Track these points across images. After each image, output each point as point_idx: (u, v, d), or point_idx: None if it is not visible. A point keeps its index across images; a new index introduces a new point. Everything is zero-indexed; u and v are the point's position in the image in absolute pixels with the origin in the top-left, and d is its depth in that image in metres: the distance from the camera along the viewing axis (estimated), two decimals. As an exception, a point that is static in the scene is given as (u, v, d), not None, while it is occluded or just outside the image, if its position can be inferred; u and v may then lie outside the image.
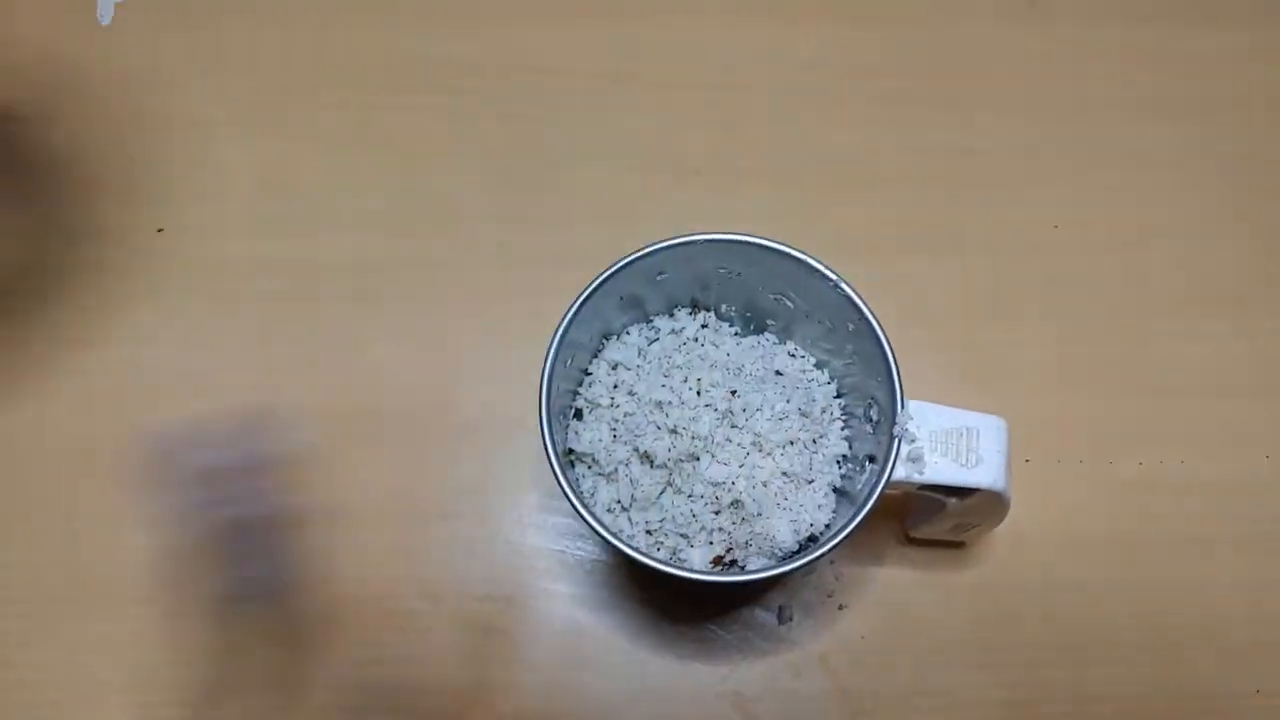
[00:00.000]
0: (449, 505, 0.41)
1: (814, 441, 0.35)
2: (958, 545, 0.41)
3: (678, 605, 0.40)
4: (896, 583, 0.41)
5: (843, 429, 0.36)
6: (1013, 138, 0.48)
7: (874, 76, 0.50)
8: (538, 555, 0.41)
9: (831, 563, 0.41)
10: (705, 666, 0.39)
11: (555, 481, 0.32)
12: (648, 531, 0.35)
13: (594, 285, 0.33)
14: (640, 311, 0.38)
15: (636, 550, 0.31)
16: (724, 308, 0.38)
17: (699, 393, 0.35)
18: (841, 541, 0.31)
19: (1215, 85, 0.50)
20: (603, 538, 0.31)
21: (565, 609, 0.40)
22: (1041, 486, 0.42)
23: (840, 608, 0.40)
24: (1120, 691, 0.40)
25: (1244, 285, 0.46)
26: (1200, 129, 0.49)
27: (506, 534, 0.41)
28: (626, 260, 0.34)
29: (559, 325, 0.33)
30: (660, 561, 0.31)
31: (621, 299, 0.35)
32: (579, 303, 0.33)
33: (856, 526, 0.30)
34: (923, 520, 0.38)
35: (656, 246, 0.34)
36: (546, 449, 0.31)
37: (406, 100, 0.49)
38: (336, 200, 0.47)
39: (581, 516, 0.31)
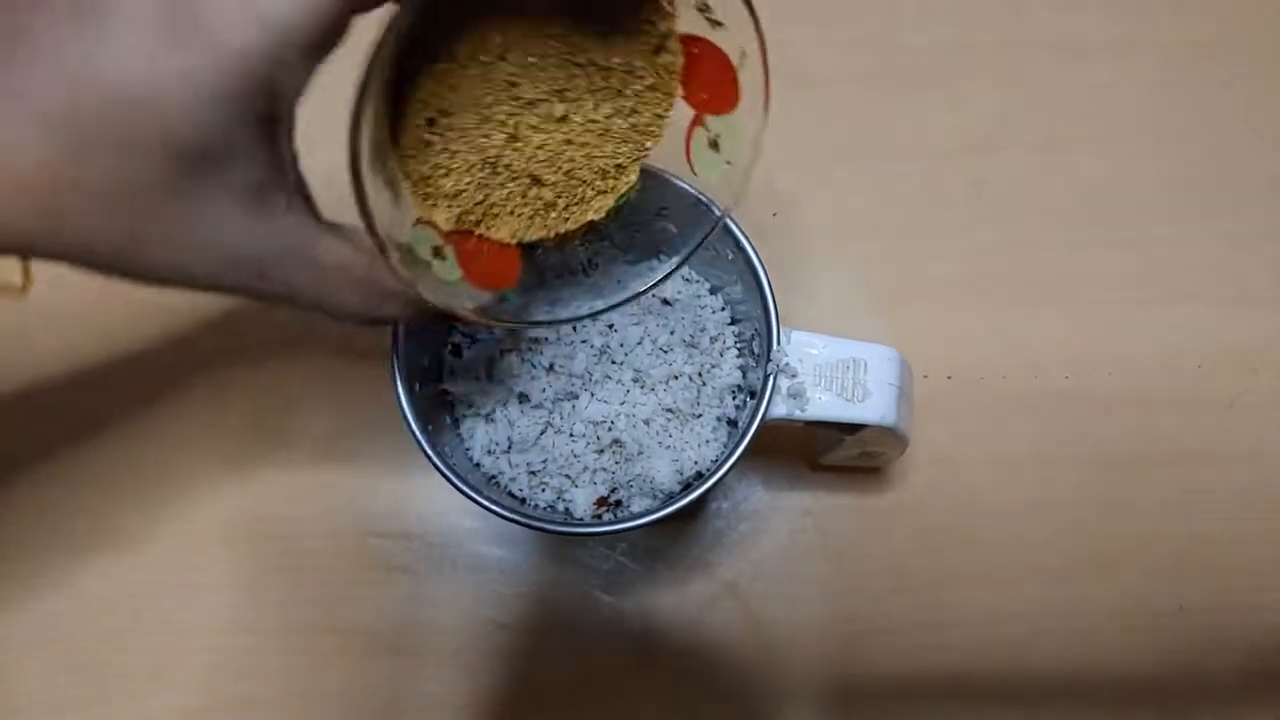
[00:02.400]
0: (351, 441, 0.40)
1: (700, 374, 0.33)
2: (872, 471, 0.39)
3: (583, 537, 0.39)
4: (811, 508, 0.40)
5: (738, 358, 0.34)
6: (941, 30, 0.45)
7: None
8: (442, 490, 0.39)
9: (718, 498, 0.39)
10: (613, 598, 0.38)
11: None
12: (531, 473, 0.33)
13: None
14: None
15: (488, 501, 0.29)
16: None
17: (574, 328, 0.33)
18: (712, 488, 0.29)
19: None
20: (460, 490, 0.29)
21: (470, 543, 0.39)
22: (964, 404, 0.40)
23: (751, 535, 0.39)
24: (1039, 611, 0.39)
25: (1180, 188, 0.43)
26: (1142, 16, 0.45)
27: (409, 469, 0.39)
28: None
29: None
30: (505, 510, 0.29)
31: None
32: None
33: (727, 471, 0.29)
34: (827, 449, 0.36)
35: None
36: (401, 407, 0.29)
37: None
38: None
39: (439, 470, 0.29)
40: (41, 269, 0.41)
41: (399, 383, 0.30)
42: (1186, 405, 0.41)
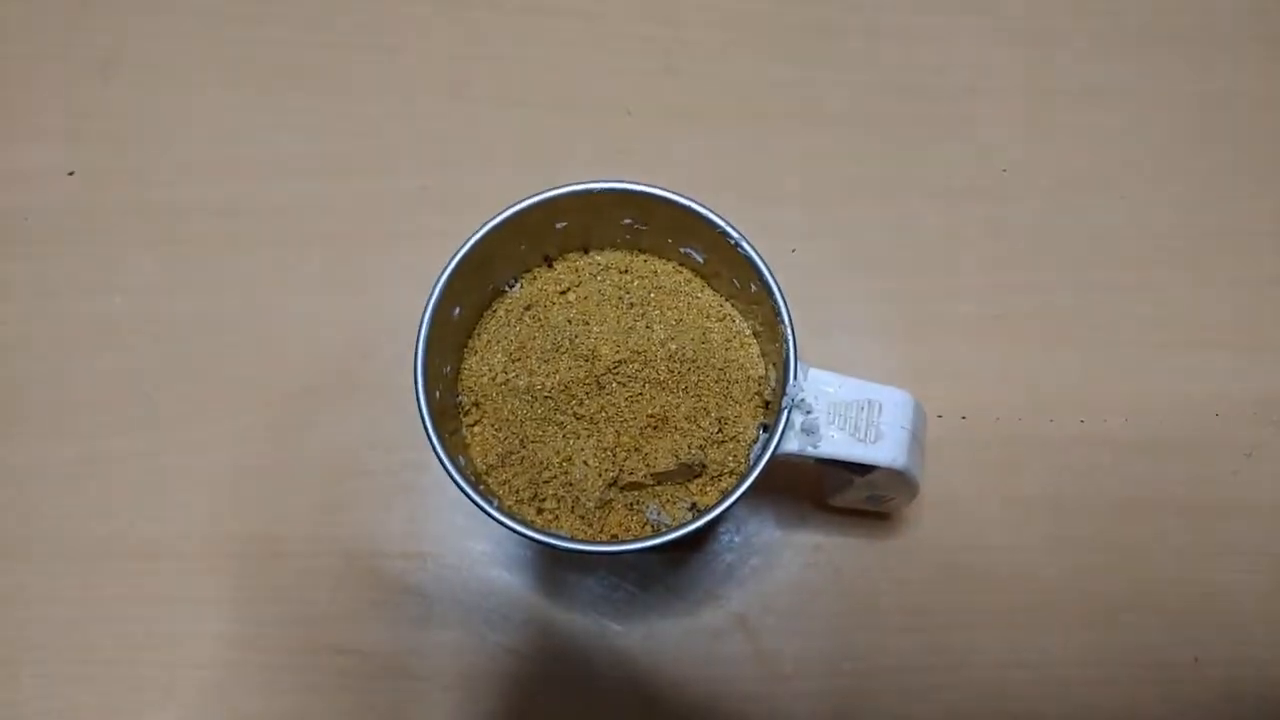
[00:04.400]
0: (365, 461, 0.40)
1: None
2: (882, 516, 0.39)
3: (593, 564, 0.39)
4: (823, 544, 0.40)
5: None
6: (960, 73, 0.45)
7: (809, 4, 0.47)
8: (455, 512, 0.39)
9: (730, 530, 0.39)
10: (622, 627, 0.38)
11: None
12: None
13: (467, 246, 0.32)
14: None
15: (496, 512, 0.30)
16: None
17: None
18: (720, 517, 0.29)
19: (1181, 14, 0.47)
20: (466, 494, 0.29)
21: (481, 567, 0.39)
22: (978, 444, 0.40)
23: (762, 569, 0.39)
24: (1052, 657, 0.38)
25: (1197, 235, 0.43)
26: (1161, 65, 0.46)
27: (423, 490, 0.40)
28: (507, 214, 0.32)
29: (435, 283, 0.31)
30: (521, 525, 0.30)
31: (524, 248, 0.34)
32: (453, 263, 0.31)
33: (735, 501, 0.29)
34: (836, 490, 0.36)
35: (542, 197, 0.32)
36: (422, 414, 0.30)
37: (324, 38, 0.46)
38: (251, 142, 0.45)
39: (450, 477, 0.29)
40: (50, 272, 0.42)
41: (420, 386, 0.30)
42: (1203, 453, 0.40)
